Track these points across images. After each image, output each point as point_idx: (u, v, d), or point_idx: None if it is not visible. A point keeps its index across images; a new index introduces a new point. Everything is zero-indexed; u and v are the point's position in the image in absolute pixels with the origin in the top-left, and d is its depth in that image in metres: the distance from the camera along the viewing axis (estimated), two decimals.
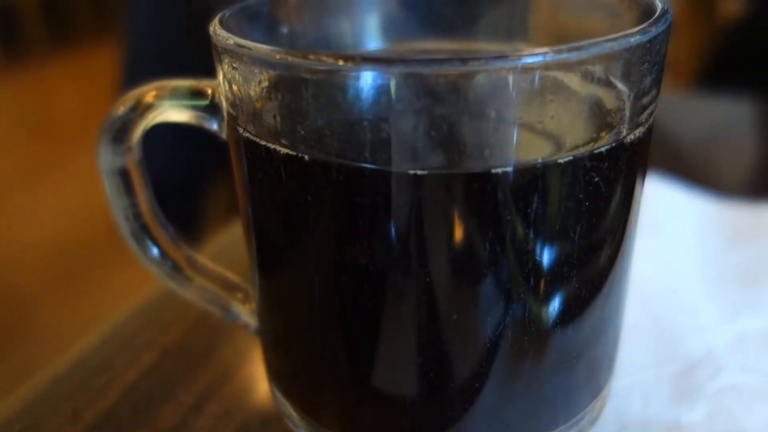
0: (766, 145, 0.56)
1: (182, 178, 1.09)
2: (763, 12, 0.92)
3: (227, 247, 0.41)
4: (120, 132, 0.25)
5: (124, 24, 1.25)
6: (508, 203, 0.18)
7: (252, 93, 0.21)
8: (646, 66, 0.20)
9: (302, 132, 0.19)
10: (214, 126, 0.24)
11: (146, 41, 1.12)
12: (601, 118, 0.20)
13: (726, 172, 0.50)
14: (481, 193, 0.18)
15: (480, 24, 0.28)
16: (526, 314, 0.21)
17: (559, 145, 0.19)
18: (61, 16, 2.81)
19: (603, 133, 0.19)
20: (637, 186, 0.22)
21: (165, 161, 1.00)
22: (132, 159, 0.25)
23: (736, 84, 0.68)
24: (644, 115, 0.21)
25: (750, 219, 0.40)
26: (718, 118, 0.59)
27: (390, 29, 0.29)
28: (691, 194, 0.42)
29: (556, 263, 0.20)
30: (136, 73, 1.10)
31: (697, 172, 0.46)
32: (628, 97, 0.20)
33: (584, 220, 0.20)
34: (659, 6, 0.21)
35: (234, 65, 0.21)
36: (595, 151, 0.19)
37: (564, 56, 0.17)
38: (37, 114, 2.27)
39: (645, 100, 0.21)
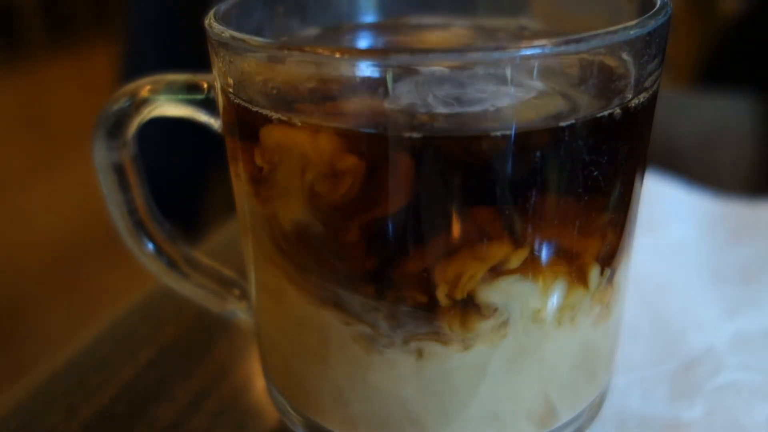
0: (765, 143, 0.55)
1: (182, 176, 1.09)
2: (762, 10, 0.92)
3: (224, 244, 0.41)
4: (115, 127, 0.24)
5: (124, 19, 1.25)
6: (508, 168, 0.18)
7: (248, 85, 0.20)
8: (647, 58, 0.20)
9: (299, 123, 0.19)
10: (210, 120, 0.24)
11: (146, 35, 1.12)
12: (604, 88, 0.20)
13: (725, 170, 0.50)
14: (482, 156, 0.18)
15: (480, 1, 0.28)
16: (530, 301, 0.21)
17: (561, 112, 0.19)
18: (59, 13, 2.81)
19: (607, 100, 0.19)
20: (640, 158, 0.22)
21: (165, 159, 1.00)
22: (127, 154, 0.25)
23: (735, 82, 0.68)
24: (649, 81, 0.21)
25: (749, 217, 0.39)
26: (717, 116, 0.59)
27: (385, 5, 0.29)
28: (690, 192, 0.42)
29: (560, 230, 0.20)
30: (135, 68, 1.10)
31: (696, 170, 0.46)
32: (631, 82, 0.20)
33: (587, 188, 0.20)
34: None
35: (230, 58, 0.21)
36: (598, 116, 0.19)
37: (563, 48, 0.17)
38: (34, 112, 2.27)
39: (647, 74, 0.20)
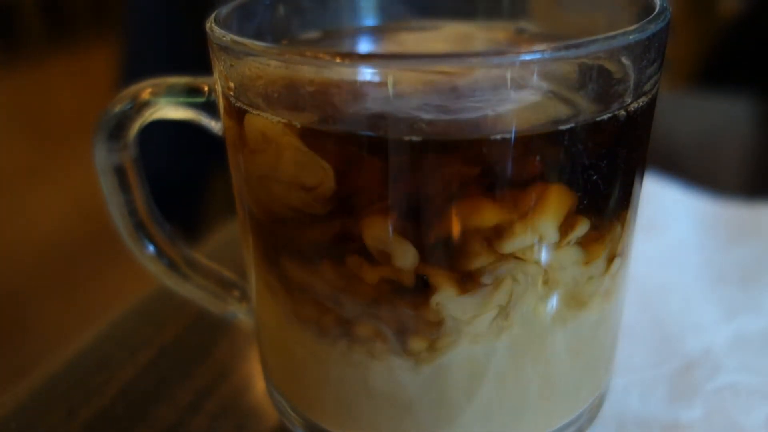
0: (765, 144, 0.55)
1: (182, 177, 1.09)
2: (762, 10, 0.92)
3: (224, 245, 0.41)
4: (116, 129, 0.24)
5: (123, 19, 1.25)
6: (507, 172, 0.18)
7: (249, 89, 0.20)
8: (646, 63, 0.20)
9: (299, 126, 0.19)
10: (211, 122, 0.24)
11: (145, 35, 1.12)
12: (603, 93, 0.20)
13: (725, 171, 0.50)
14: (481, 160, 0.18)
15: (479, 4, 0.28)
16: (528, 298, 0.21)
17: (561, 116, 0.19)
18: (59, 14, 2.81)
19: (606, 104, 0.19)
20: (640, 161, 0.22)
21: (165, 161, 1.00)
22: (128, 156, 0.25)
23: (734, 83, 0.68)
24: (648, 85, 0.21)
25: (748, 218, 0.39)
26: (717, 116, 0.59)
27: (385, 8, 0.29)
28: (689, 193, 0.42)
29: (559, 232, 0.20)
30: (134, 69, 1.10)
31: (695, 171, 0.46)
32: (630, 86, 0.20)
33: (586, 191, 0.20)
34: (658, 3, 0.21)
35: (230, 62, 0.21)
36: (597, 119, 0.19)
37: (562, 53, 0.17)
38: (34, 112, 2.26)
39: (646, 77, 0.21)
